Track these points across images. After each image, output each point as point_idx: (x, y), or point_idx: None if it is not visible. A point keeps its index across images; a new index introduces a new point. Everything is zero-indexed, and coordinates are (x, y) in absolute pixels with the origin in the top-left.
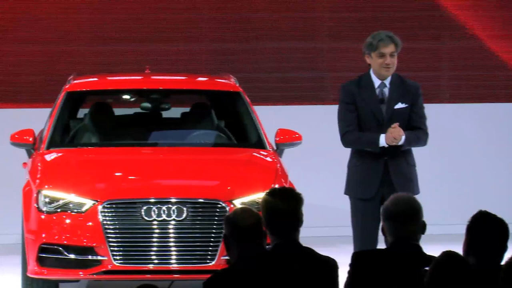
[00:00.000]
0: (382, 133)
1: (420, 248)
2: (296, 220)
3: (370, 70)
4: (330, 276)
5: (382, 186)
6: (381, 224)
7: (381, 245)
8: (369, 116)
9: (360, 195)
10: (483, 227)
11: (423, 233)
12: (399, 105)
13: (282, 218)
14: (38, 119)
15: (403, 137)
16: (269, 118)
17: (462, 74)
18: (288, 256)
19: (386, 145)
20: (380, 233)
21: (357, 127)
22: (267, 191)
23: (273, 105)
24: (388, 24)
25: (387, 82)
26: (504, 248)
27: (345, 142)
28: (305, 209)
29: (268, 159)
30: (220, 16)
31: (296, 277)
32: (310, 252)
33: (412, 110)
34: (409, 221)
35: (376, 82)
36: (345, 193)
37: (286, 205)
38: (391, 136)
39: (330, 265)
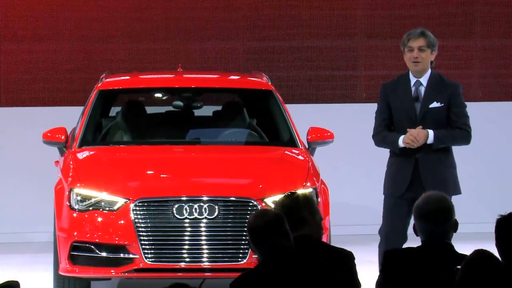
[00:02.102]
0: (403, 135)
1: (452, 247)
2: (298, 218)
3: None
4: (347, 266)
5: (412, 185)
6: (413, 222)
7: (410, 243)
8: (402, 114)
9: (391, 193)
10: (507, 229)
11: (455, 232)
12: (435, 104)
13: (287, 217)
14: (70, 117)
15: (432, 136)
16: (301, 117)
17: (494, 72)
18: (303, 250)
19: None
20: (409, 231)
21: (390, 126)
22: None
23: (305, 103)
24: (422, 21)
25: (424, 80)
26: None
27: (374, 141)
28: (337, 208)
29: (300, 157)
30: (253, 14)
31: (313, 271)
32: (324, 245)
33: (450, 110)
34: (440, 219)
35: (412, 80)
36: (383, 192)
37: (287, 205)
38: (409, 137)
39: (346, 256)
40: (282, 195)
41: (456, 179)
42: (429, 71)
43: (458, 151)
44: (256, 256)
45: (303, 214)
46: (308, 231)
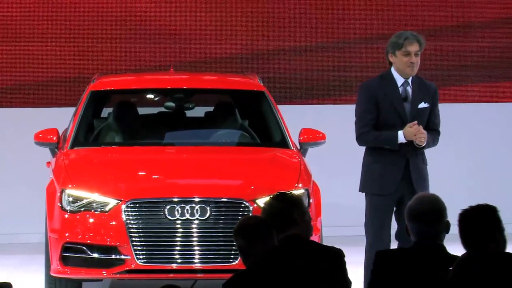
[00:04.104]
0: (401, 130)
1: (443, 248)
2: (289, 219)
3: (391, 69)
4: (337, 264)
5: (401, 183)
6: (405, 224)
7: (394, 245)
8: (393, 114)
9: (379, 191)
10: (473, 219)
11: (447, 233)
12: (423, 105)
13: (277, 217)
14: (62, 118)
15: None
16: (293, 118)
17: (490, 73)
18: (295, 250)
19: (405, 141)
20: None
21: (377, 125)
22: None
23: (297, 104)
24: (418, 23)
25: (410, 81)
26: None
27: (361, 141)
28: (329, 208)
29: (292, 158)
30: (246, 15)
31: (306, 270)
32: (314, 244)
33: (431, 110)
34: (433, 220)
35: (399, 80)
36: (361, 190)
37: (277, 206)
38: (413, 132)
39: (336, 254)
40: (270, 196)
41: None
42: None
43: (453, 152)
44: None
45: (293, 215)
46: (296, 230)
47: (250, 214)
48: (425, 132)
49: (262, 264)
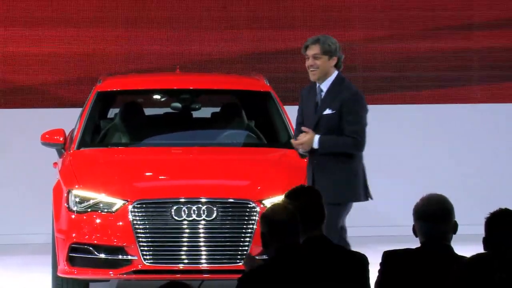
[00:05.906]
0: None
1: (451, 248)
2: (318, 214)
3: None
4: (362, 270)
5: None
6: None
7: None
8: (306, 120)
9: None
10: (501, 223)
11: (454, 233)
12: (327, 111)
13: (305, 216)
14: (69, 119)
15: (316, 140)
16: None
17: (493, 74)
18: (320, 250)
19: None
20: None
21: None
22: (284, 194)
23: None
24: (420, 24)
25: (324, 86)
26: None
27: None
28: None
29: (298, 159)
30: (251, 15)
31: (329, 271)
32: (341, 247)
33: (342, 117)
34: (440, 221)
35: (318, 86)
36: None
37: (304, 203)
38: (296, 142)
39: (362, 260)
40: (291, 188)
41: (357, 186)
42: (332, 76)
43: (459, 152)
44: (259, 257)
45: (323, 210)
46: (320, 231)
47: (280, 205)
48: (303, 142)
49: (284, 261)
